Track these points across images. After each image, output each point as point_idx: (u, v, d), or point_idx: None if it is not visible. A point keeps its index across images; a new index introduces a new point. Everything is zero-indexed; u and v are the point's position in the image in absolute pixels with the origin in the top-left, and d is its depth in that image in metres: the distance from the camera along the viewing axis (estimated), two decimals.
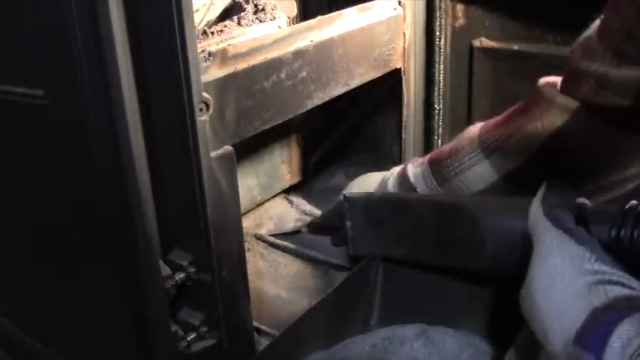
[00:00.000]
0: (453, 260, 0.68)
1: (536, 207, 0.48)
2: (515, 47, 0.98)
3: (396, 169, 0.88)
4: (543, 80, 0.71)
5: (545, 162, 0.68)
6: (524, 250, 0.49)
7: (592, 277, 0.39)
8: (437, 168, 0.79)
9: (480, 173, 0.73)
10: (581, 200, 0.50)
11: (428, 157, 0.83)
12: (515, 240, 0.56)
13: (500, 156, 0.72)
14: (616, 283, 0.39)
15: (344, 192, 0.79)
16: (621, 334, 0.35)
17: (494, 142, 0.72)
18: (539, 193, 0.49)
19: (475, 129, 0.78)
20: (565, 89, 0.67)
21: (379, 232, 0.75)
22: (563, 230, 0.44)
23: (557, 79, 0.70)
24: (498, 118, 0.76)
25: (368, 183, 0.92)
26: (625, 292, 0.38)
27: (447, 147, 0.80)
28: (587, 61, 0.62)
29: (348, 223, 0.77)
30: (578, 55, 0.64)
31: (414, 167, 0.83)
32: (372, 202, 0.76)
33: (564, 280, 0.41)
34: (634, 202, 0.47)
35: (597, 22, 0.62)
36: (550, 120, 0.66)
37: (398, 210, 0.72)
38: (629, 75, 0.58)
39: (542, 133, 0.66)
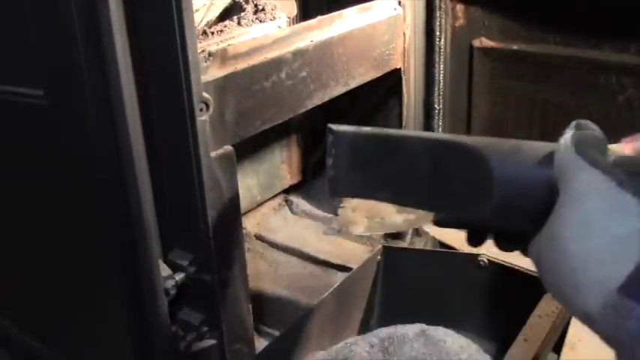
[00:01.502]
0: (450, 207, 0.60)
1: (566, 145, 0.42)
2: (515, 47, 0.98)
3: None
4: None
5: None
6: (538, 201, 0.44)
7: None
8: None
9: None
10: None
11: None
12: (530, 189, 0.49)
13: None
14: None
15: (329, 124, 0.74)
16: None
17: None
18: (568, 132, 0.43)
19: None
20: None
21: (366, 171, 0.67)
22: (602, 170, 0.38)
23: None
24: None
25: None
26: None
27: None
28: None
29: (330, 161, 0.72)
30: None
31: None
32: (359, 138, 0.69)
33: (604, 224, 0.36)
34: None
35: None
36: None
37: (389, 147, 0.65)
38: None
39: None
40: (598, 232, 0.36)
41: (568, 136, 0.44)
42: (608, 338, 0.35)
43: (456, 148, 0.59)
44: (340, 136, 0.71)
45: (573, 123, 0.45)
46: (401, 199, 0.65)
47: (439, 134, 0.70)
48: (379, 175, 0.68)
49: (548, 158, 0.46)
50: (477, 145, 0.56)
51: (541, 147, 0.49)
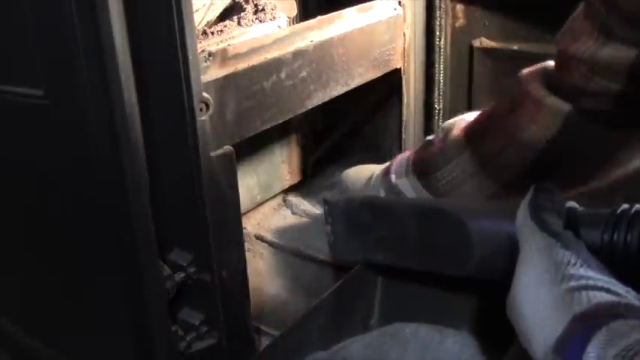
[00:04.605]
0: (437, 265, 0.65)
1: (523, 210, 0.46)
2: (515, 47, 0.98)
3: (379, 173, 0.86)
4: (526, 74, 0.66)
5: (544, 168, 0.65)
6: (511, 255, 0.48)
7: (576, 282, 0.38)
8: (429, 181, 0.76)
9: (477, 185, 0.71)
10: (571, 204, 0.49)
11: (412, 164, 0.80)
12: (503, 244, 0.54)
13: (495, 168, 0.69)
14: (601, 288, 0.37)
15: (324, 196, 0.78)
16: (598, 344, 0.34)
17: (488, 155, 0.69)
18: (527, 197, 0.48)
19: (458, 132, 0.73)
20: (556, 79, 0.63)
21: (360, 236, 0.73)
22: (549, 234, 0.42)
23: (539, 69, 0.66)
24: (483, 120, 0.71)
25: (359, 176, 0.92)
26: (609, 298, 0.37)
27: (431, 154, 0.77)
28: (575, 44, 0.58)
29: (329, 228, 0.75)
30: (567, 38, 0.60)
31: (398, 177, 0.81)
32: (352, 206, 0.73)
33: (548, 286, 0.39)
34: (625, 205, 0.46)
35: (583, 3, 0.59)
36: (543, 125, 0.62)
37: (379, 214, 0.70)
38: (617, 55, 0.54)
39: (537, 141, 0.63)
40: (543, 293, 0.39)
41: (526, 200, 0.47)
42: None
43: (437, 213, 0.64)
44: (335, 206, 0.76)
45: (532, 186, 0.48)
46: (393, 260, 0.71)
47: (423, 200, 0.75)
48: (372, 240, 0.72)
49: (514, 218, 0.49)
50: (456, 208, 0.61)
51: (511, 207, 0.52)
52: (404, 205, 0.69)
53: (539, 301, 0.39)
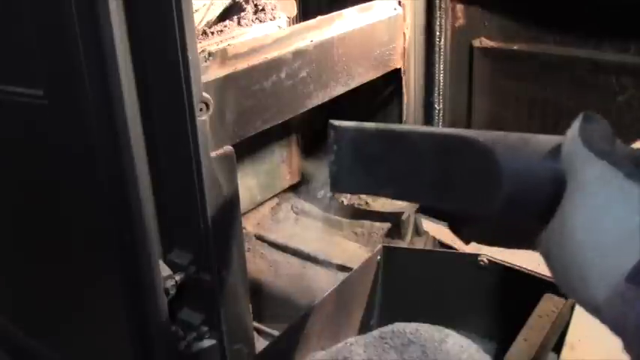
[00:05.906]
0: (457, 202, 0.58)
1: (572, 136, 0.42)
2: (515, 47, 0.98)
3: None
4: None
5: None
6: (547, 191, 0.44)
7: None
8: None
9: None
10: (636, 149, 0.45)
11: None
12: (539, 179, 0.49)
13: None
14: None
15: (331, 120, 0.74)
16: None
17: None
18: (575, 124, 0.43)
19: None
20: None
21: (368, 167, 0.69)
22: (609, 162, 0.39)
23: None
24: None
25: None
26: None
27: None
28: None
29: (332, 157, 0.72)
30: None
31: None
32: (363, 134, 0.69)
33: (614, 216, 0.36)
34: None
35: None
36: None
37: (393, 142, 0.64)
38: None
39: None
40: (606, 223, 0.37)
41: (575, 127, 0.43)
42: (615, 327, 0.35)
43: (461, 143, 0.57)
44: (343, 132, 0.71)
45: (580, 115, 0.44)
46: (405, 194, 0.65)
47: (444, 129, 0.68)
48: (382, 171, 0.67)
49: (556, 151, 0.45)
50: (484, 139, 0.55)
51: (549, 140, 0.48)
52: (422, 134, 0.62)
53: (602, 233, 0.37)
